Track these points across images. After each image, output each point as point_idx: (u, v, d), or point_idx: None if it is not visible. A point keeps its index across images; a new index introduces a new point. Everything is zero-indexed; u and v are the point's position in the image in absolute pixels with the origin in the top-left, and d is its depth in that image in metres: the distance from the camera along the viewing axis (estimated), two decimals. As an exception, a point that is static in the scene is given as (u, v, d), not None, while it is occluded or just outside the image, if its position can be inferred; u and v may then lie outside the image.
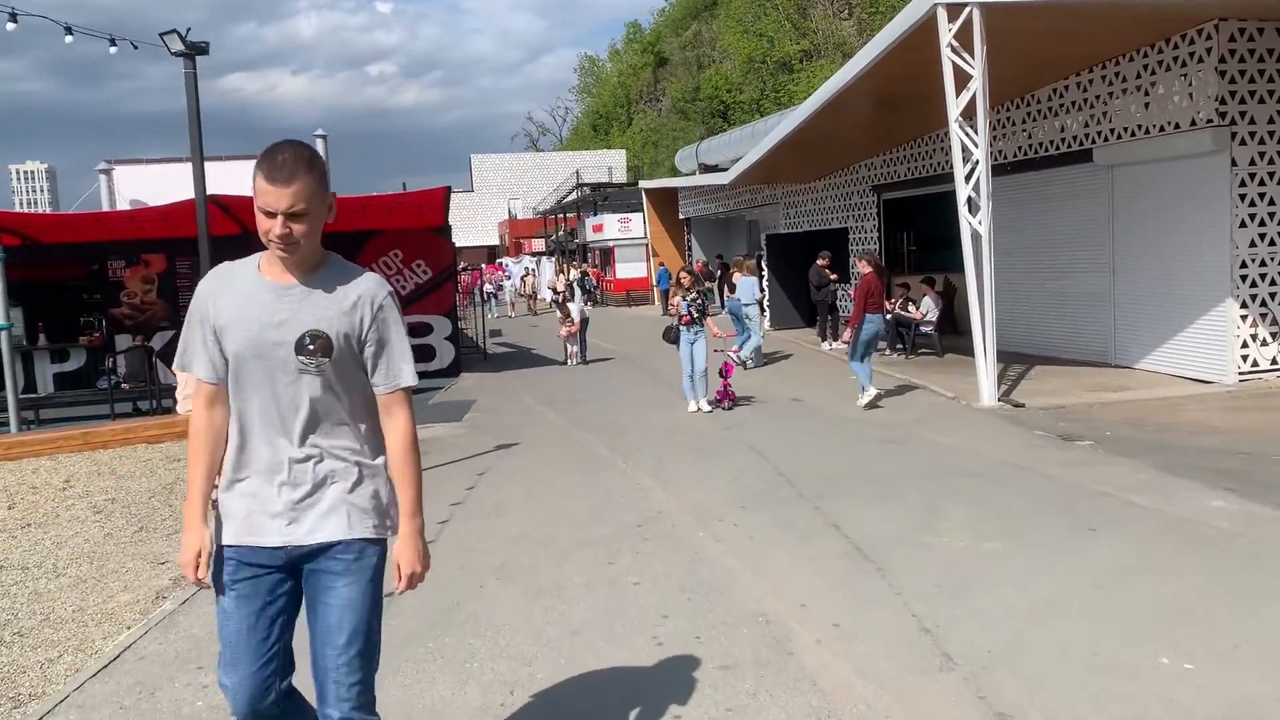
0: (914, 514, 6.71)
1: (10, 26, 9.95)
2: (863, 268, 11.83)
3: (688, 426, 10.75)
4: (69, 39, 9.49)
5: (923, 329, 16.73)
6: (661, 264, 33.09)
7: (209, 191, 15.16)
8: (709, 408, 11.59)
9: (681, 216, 31.93)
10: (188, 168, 24.19)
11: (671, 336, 12.10)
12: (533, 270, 38.55)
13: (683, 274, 12.29)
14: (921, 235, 20.71)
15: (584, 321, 17.86)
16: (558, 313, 18.62)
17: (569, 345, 17.96)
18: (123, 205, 21.95)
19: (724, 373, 12.00)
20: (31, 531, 6.90)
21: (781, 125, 18.54)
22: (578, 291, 18.42)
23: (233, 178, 23.17)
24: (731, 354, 13.99)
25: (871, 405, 11.34)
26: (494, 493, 7.88)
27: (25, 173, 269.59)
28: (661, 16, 79.23)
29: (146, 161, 24.46)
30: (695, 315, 11.65)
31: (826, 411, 11.36)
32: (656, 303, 32.16)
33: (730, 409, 11.71)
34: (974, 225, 11.74)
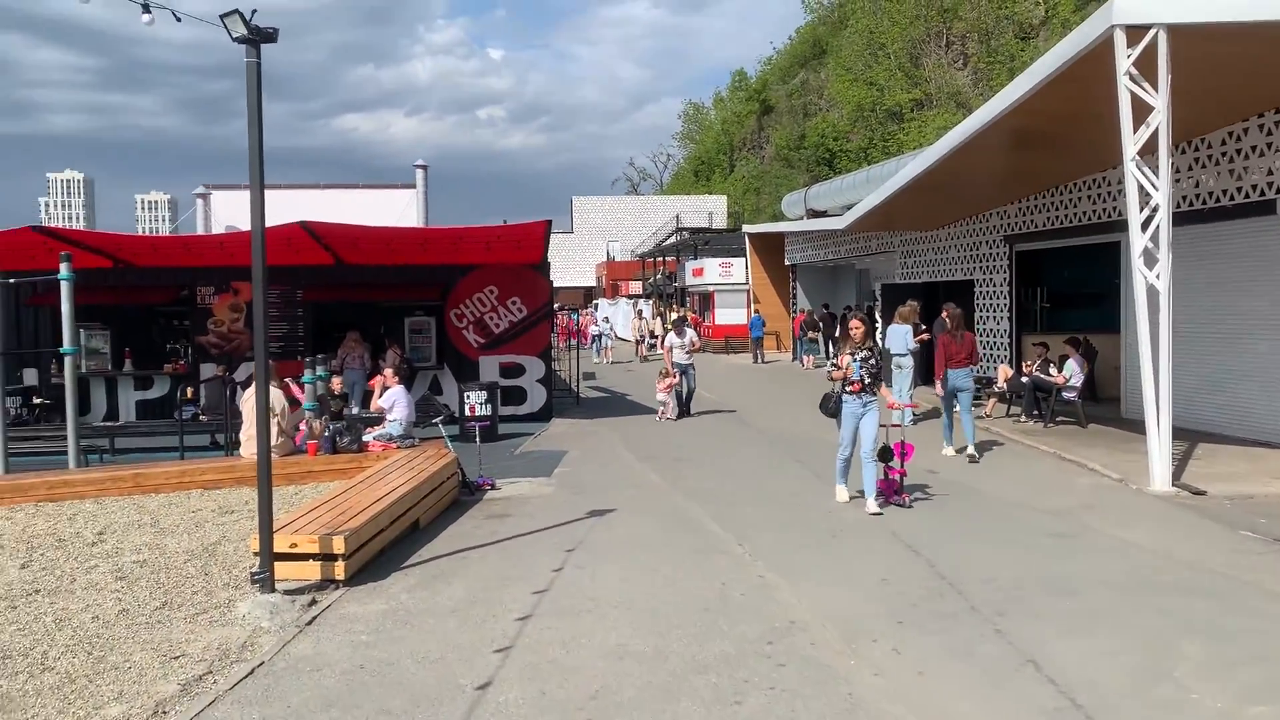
0: (1132, 648, 5.13)
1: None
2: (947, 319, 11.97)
3: (813, 502, 9.25)
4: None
5: (1064, 395, 14.91)
6: (757, 311, 31.71)
7: (304, 219, 14.38)
8: (877, 507, 8.57)
9: (787, 262, 30.50)
10: (286, 194, 23.87)
11: (831, 407, 9.04)
12: (644, 315, 37.25)
13: (855, 321, 9.13)
14: (1056, 291, 18.89)
15: (685, 370, 16.46)
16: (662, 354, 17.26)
17: (667, 399, 16.41)
18: (218, 229, 21.63)
19: (893, 455, 8.98)
20: (36, 601, 5.81)
21: (909, 167, 17.06)
22: (688, 332, 17.00)
23: (330, 206, 22.79)
24: (906, 422, 10.44)
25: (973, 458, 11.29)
26: (586, 579, 6.53)
27: (150, 202, 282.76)
28: (768, 65, 78.61)
29: (244, 187, 24.03)
30: (867, 379, 8.79)
31: (973, 488, 9.74)
32: (786, 351, 30.68)
33: (910, 506, 8.83)
34: (1150, 280, 10.08)
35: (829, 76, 63.56)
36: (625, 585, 6.39)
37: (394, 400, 10.34)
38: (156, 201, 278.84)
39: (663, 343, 31.59)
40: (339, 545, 6.13)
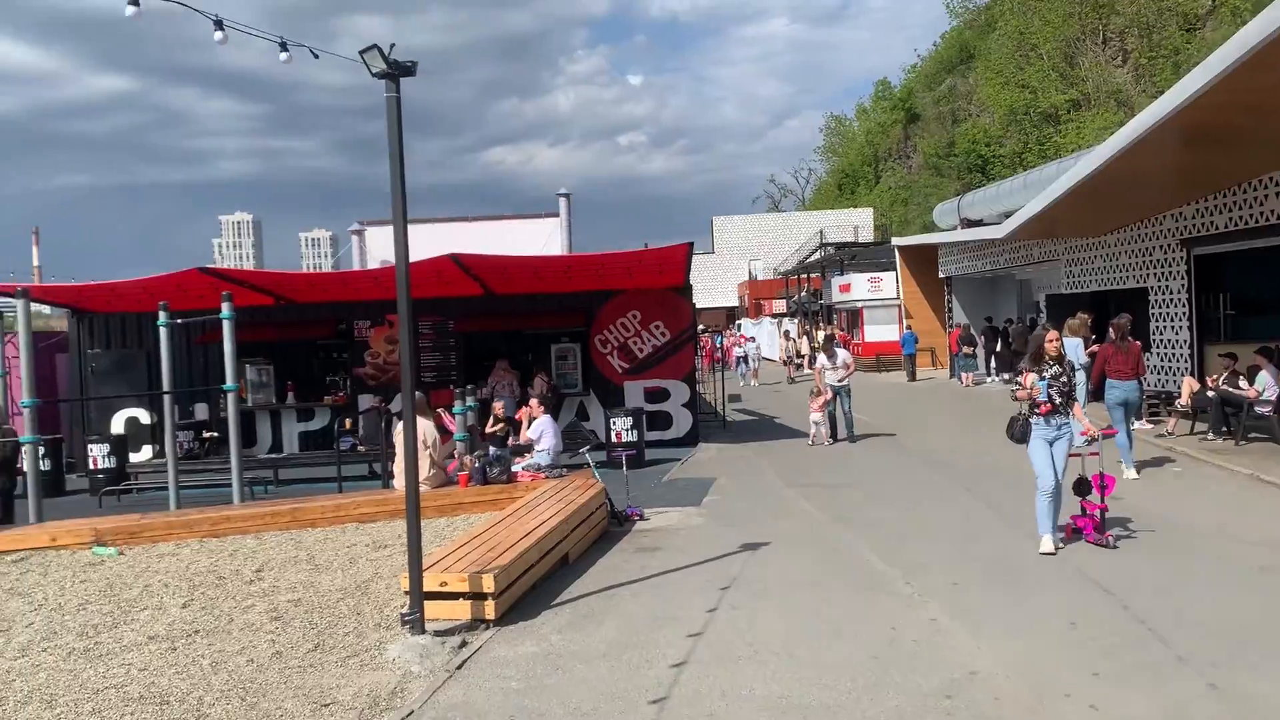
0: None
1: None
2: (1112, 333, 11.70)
3: (985, 535, 8.61)
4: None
5: (1257, 409, 13.62)
6: (910, 327, 30.61)
7: (453, 251, 14.60)
8: (1052, 545, 7.65)
9: (941, 275, 29.34)
10: (435, 228, 24.47)
11: (1018, 432, 7.97)
12: (791, 334, 36.36)
13: (1052, 334, 7.98)
14: (1241, 297, 17.38)
15: (840, 391, 15.83)
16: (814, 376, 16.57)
17: (820, 420, 15.79)
18: (373, 263, 22.35)
19: (1091, 488, 7.86)
20: (194, 642, 5.85)
21: (1075, 169, 16.02)
22: (840, 353, 16.24)
23: (478, 237, 23.24)
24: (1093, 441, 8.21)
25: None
26: (743, 621, 6.16)
27: (312, 239, 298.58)
28: (912, 73, 76.76)
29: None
30: (1058, 400, 7.75)
31: (1163, 516, 8.87)
32: (942, 368, 29.59)
33: (1114, 547, 7.74)
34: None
35: (978, 81, 61.53)
36: (785, 629, 5.98)
37: (541, 430, 10.26)
38: (319, 239, 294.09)
39: (810, 363, 30.84)
40: (489, 584, 5.97)
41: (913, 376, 29.03)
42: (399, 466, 9.33)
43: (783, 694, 4.93)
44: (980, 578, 7.07)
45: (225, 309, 10.76)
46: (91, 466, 15.18)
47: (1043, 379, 7.74)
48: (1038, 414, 7.80)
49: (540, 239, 23.20)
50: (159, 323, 11.75)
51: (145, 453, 17.56)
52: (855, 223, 64.47)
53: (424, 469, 9.25)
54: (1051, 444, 7.80)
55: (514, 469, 10.01)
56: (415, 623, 5.72)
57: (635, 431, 14.71)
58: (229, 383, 10.67)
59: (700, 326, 32.40)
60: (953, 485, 11.14)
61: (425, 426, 9.39)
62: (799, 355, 29.97)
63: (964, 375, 25.96)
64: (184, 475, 13.89)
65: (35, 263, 50.65)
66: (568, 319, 17.27)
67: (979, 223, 31.04)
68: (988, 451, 13.77)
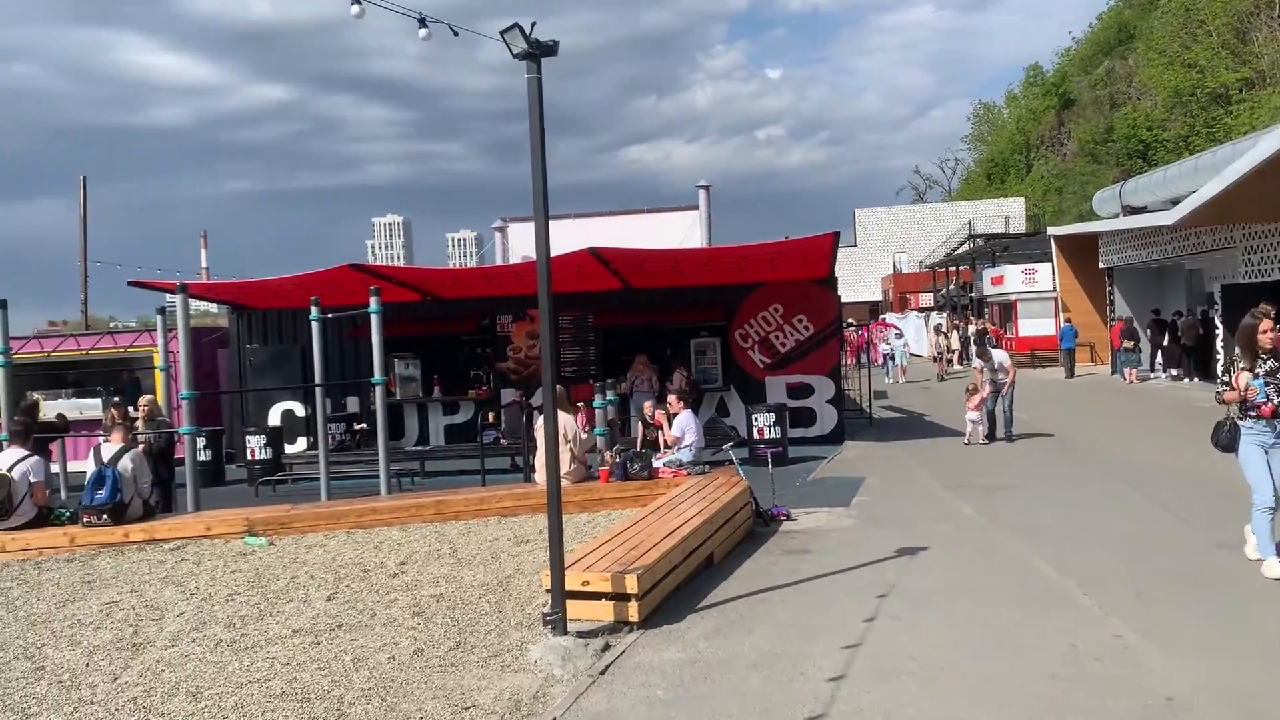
0: None
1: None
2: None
3: (1165, 542, 7.87)
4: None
5: None
6: (1068, 320, 29.03)
7: (592, 245, 14.52)
8: None
9: (1102, 265, 27.66)
10: (573, 223, 24.54)
11: (1225, 439, 6.86)
12: (942, 329, 34.64)
13: (1266, 324, 6.73)
14: None
15: (998, 389, 14.96)
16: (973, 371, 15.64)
17: (977, 418, 14.96)
18: (515, 259, 22.60)
19: None
20: (338, 637, 5.81)
21: (1259, 148, 14.74)
22: (995, 355, 15.22)
23: (617, 231, 23.18)
24: None
25: None
26: (904, 632, 5.72)
27: (458, 240, 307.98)
28: (1066, 56, 73.10)
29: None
30: (1278, 401, 6.64)
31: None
32: (1102, 364, 28.06)
33: None
34: None
35: (1138, 62, 58.11)
36: (951, 642, 5.52)
37: (684, 426, 9.97)
38: (464, 239, 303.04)
39: (961, 358, 29.59)
40: (632, 585, 5.73)
41: (1071, 373, 27.57)
42: (540, 460, 9.23)
43: (952, 716, 4.50)
44: (1168, 591, 6.40)
45: (373, 303, 10.91)
46: (249, 457, 15.78)
47: (1258, 377, 6.67)
48: (1254, 416, 6.70)
49: (679, 232, 22.94)
50: (311, 317, 12.03)
51: (300, 444, 18.17)
52: (1006, 213, 61.99)
53: (565, 463, 9.12)
54: (1268, 451, 6.70)
55: (655, 464, 9.76)
56: (557, 623, 5.53)
57: (778, 428, 14.29)
58: (376, 376, 10.81)
59: (847, 321, 31.50)
60: (1125, 489, 10.32)
61: (566, 420, 9.25)
62: (950, 350, 28.63)
63: (1127, 371, 24.41)
64: (335, 466, 14.26)
65: (204, 264, 53.74)
66: (707, 313, 16.97)
67: (1142, 210, 29.14)
68: (1162, 454, 12.78)
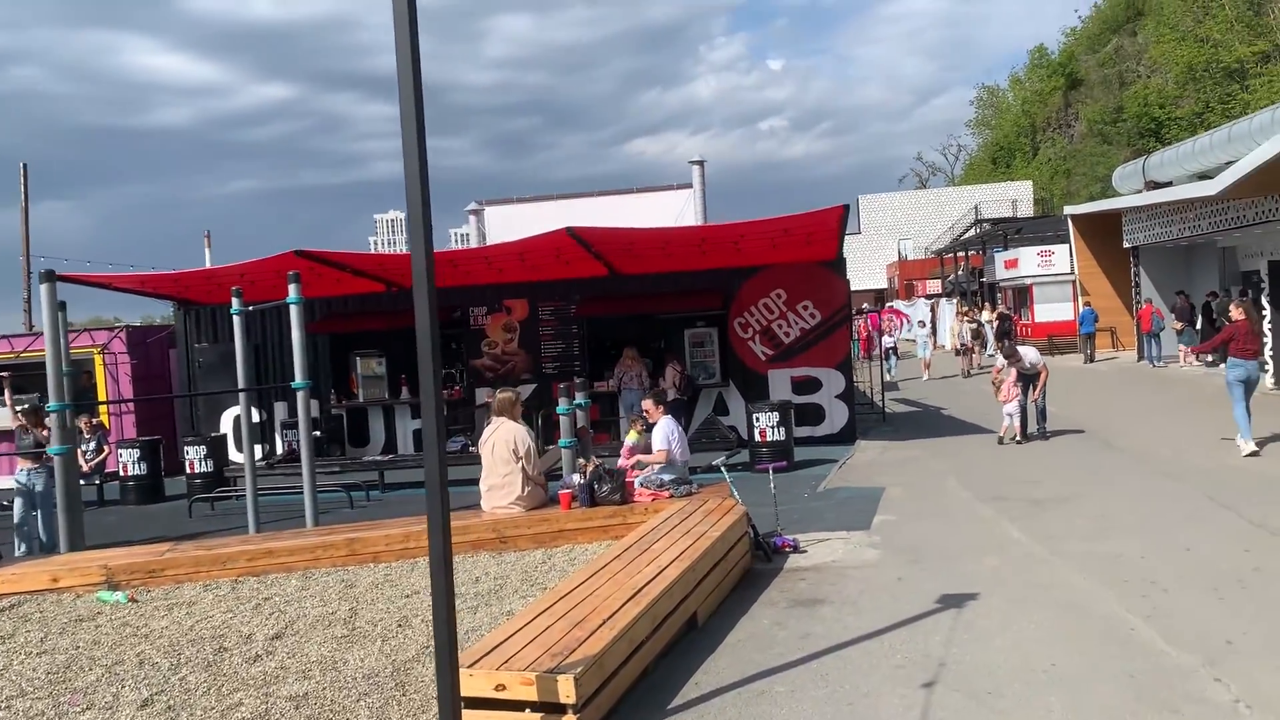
0: None
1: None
2: (1235, 314, 11.41)
3: (1280, 577, 6.07)
4: None
5: None
6: (1088, 304, 27.26)
7: (571, 225, 12.73)
8: None
9: (1127, 244, 25.80)
10: (559, 205, 22.72)
11: None
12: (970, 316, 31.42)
13: None
14: None
15: (1030, 379, 13.14)
16: (997, 364, 13.73)
17: (1013, 416, 13.09)
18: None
19: None
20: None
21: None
22: (1026, 353, 13.20)
23: (606, 213, 21.40)
24: None
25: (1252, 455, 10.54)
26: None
27: (461, 235, 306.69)
28: (1072, 35, 71.04)
29: (517, 201, 23.04)
30: None
31: None
32: (1124, 349, 26.23)
33: None
34: None
35: (1149, 39, 56.29)
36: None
37: (665, 438, 8.11)
38: (467, 234, 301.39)
39: (981, 348, 27.49)
40: (567, 690, 3.90)
41: (1091, 358, 25.83)
42: (486, 483, 7.44)
43: None
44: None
45: (292, 292, 9.12)
46: (188, 471, 14.05)
47: None
48: None
49: (673, 213, 21.08)
50: (232, 311, 10.27)
51: (255, 452, 16.53)
52: (1013, 196, 60.17)
53: (516, 487, 7.32)
54: None
55: (636, 481, 7.95)
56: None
57: (782, 428, 12.55)
58: (298, 380, 9.01)
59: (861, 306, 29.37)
60: (1196, 498, 8.55)
61: (516, 432, 7.46)
62: (975, 338, 26.32)
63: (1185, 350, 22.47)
64: (285, 478, 12.61)
65: (207, 264, 51.93)
66: (703, 300, 15.17)
67: (1167, 185, 27.27)
68: (1217, 449, 11.00)
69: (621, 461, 8.84)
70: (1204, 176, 23.66)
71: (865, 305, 31.84)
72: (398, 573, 6.63)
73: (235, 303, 10.22)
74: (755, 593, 6.30)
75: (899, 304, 43.33)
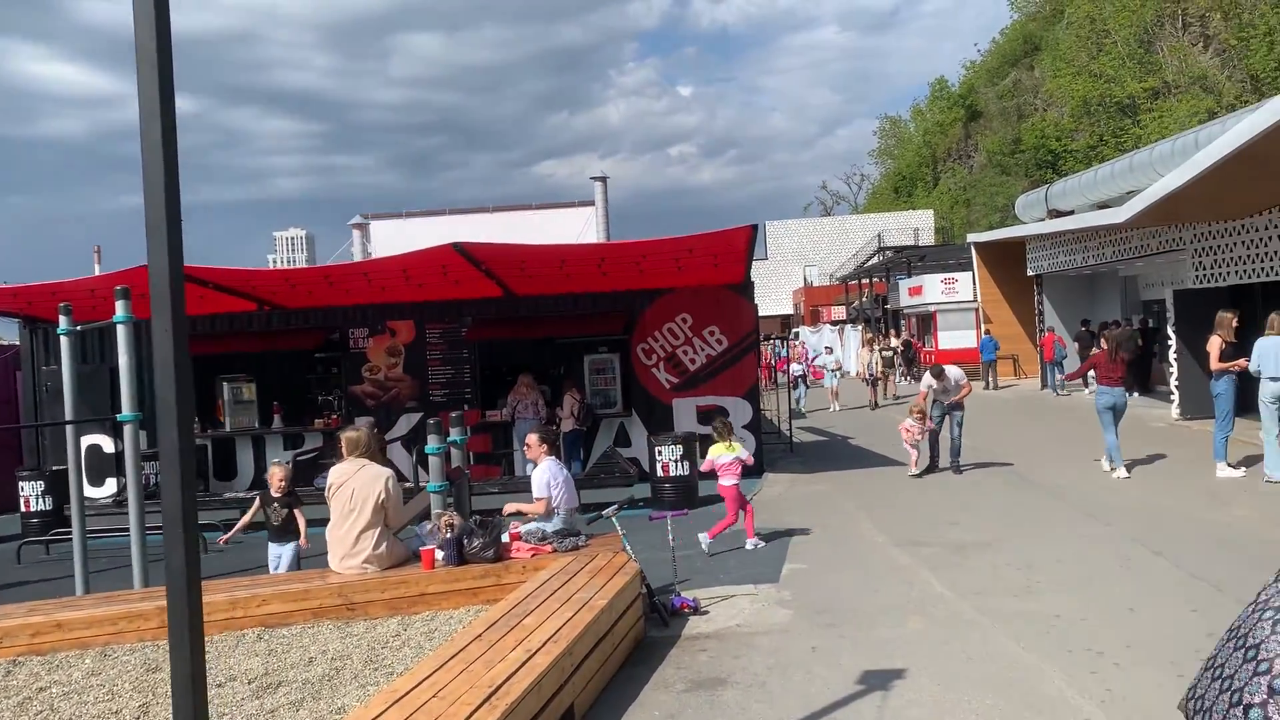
0: None
1: None
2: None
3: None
4: None
5: None
6: (988, 332, 27.30)
7: (459, 240, 11.66)
8: None
9: (1031, 273, 25.84)
10: (450, 220, 21.55)
11: None
12: (877, 344, 30.00)
13: None
14: None
15: (951, 411, 12.58)
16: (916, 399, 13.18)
17: (915, 446, 12.63)
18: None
19: None
20: None
21: (1226, 137, 12.68)
22: (950, 372, 12.72)
23: (502, 230, 20.32)
24: None
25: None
26: None
27: (346, 251, 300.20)
28: (972, 69, 72.97)
29: (406, 215, 21.68)
30: None
31: None
32: (1025, 377, 26.15)
33: None
34: None
35: (1045, 73, 57.99)
36: None
37: (543, 484, 7.05)
38: (371, 253, 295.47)
39: (886, 379, 26.98)
40: None
41: (993, 385, 25.80)
42: (333, 535, 6.32)
43: None
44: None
45: (120, 310, 7.87)
46: (22, 509, 12.48)
47: None
48: None
49: (573, 231, 20.11)
50: (59, 331, 8.94)
51: (109, 486, 14.96)
52: (915, 225, 61.04)
53: (370, 542, 6.22)
54: None
55: (516, 533, 6.92)
56: None
57: (686, 462, 11.68)
58: (125, 412, 7.74)
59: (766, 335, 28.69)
60: (1125, 542, 7.94)
61: (382, 478, 6.38)
62: (884, 368, 25.61)
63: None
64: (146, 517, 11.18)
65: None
66: (604, 324, 14.25)
67: (1069, 214, 27.51)
68: (1141, 489, 10.50)
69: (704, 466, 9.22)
70: (1104, 205, 23.82)
71: (770, 335, 31.17)
72: (218, 648, 5.45)
73: (63, 321, 8.89)
74: (647, 671, 5.34)
75: (804, 330, 43.10)
